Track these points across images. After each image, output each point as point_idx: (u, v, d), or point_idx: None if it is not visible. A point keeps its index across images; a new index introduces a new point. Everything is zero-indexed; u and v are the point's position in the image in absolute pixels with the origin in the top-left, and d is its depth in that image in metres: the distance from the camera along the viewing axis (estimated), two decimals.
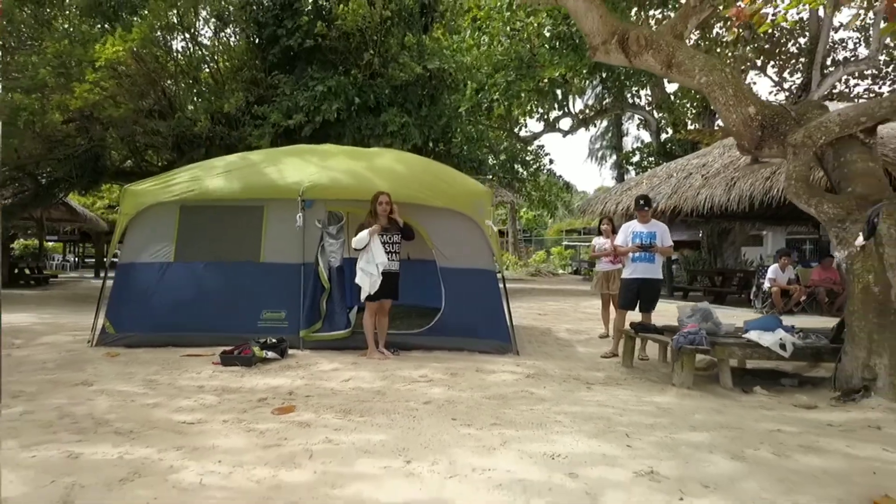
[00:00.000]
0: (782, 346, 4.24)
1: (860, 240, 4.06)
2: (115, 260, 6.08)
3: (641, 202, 5.77)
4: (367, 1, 11.68)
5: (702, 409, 3.67)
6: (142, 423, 3.08)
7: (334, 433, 2.93)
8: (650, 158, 26.26)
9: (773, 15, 10.07)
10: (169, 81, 12.37)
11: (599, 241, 6.96)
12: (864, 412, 3.63)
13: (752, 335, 4.36)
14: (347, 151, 6.57)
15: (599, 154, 42.24)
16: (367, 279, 5.07)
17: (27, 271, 18.11)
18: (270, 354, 4.92)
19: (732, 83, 5.09)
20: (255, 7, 12.90)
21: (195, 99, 12.64)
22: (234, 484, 2.29)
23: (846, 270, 4.30)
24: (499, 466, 2.50)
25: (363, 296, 5.15)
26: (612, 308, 6.59)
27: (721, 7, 8.45)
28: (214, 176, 5.80)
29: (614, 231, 6.69)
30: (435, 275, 5.66)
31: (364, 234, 5.06)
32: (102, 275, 6.10)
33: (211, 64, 13.54)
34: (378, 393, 3.86)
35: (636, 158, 28.80)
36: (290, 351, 5.21)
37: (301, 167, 5.81)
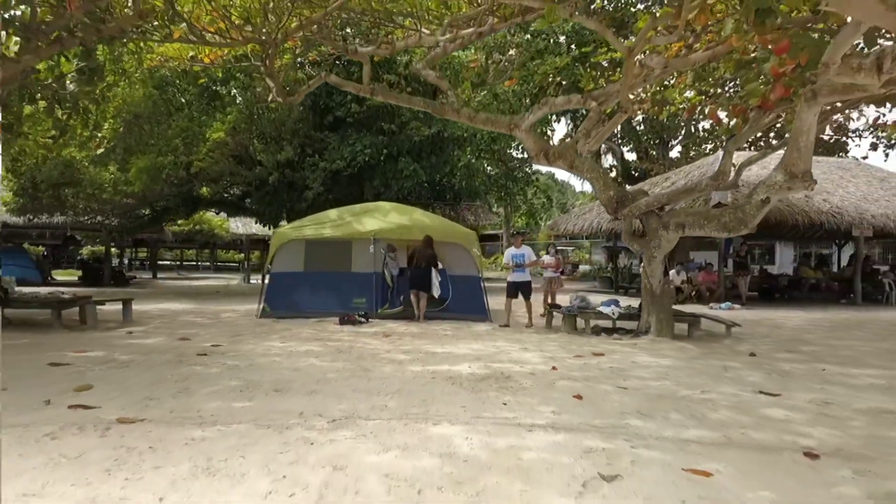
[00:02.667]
0: (613, 313, 8.61)
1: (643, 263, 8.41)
2: (269, 271, 10.43)
3: (514, 233, 10.29)
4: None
5: (565, 339, 8.04)
6: (334, 338, 7.45)
7: (412, 341, 7.32)
8: (619, 179, 30.81)
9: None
10: (249, 147, 16.69)
11: (546, 258, 11.35)
12: (638, 340, 7.95)
13: (600, 308, 8.73)
14: (397, 208, 10.96)
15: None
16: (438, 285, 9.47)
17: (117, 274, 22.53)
18: (363, 320, 9.29)
19: (603, 178, 9.48)
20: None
21: (264, 154, 16.80)
22: (384, 348, 6.65)
23: (643, 276, 8.63)
24: (473, 346, 6.89)
25: (435, 293, 9.49)
26: (547, 298, 10.93)
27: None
28: (325, 226, 10.20)
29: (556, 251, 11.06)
30: (446, 278, 10.03)
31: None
32: (261, 278, 10.43)
33: (274, 118, 17.82)
34: (423, 333, 8.23)
35: (613, 174, 33.34)
36: (371, 319, 9.58)
37: (371, 220, 10.21)
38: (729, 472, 3.11)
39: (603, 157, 37.69)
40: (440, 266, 9.61)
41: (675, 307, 10.61)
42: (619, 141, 28.99)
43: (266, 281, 10.26)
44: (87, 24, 5.14)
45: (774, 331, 9.53)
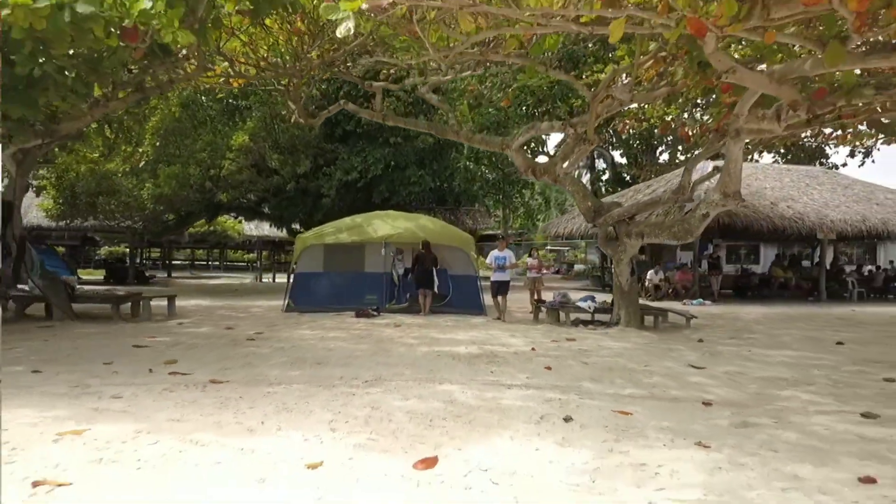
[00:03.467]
0: (589, 307, 9.99)
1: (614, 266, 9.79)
2: (293, 271, 11.79)
3: (501, 236, 11.65)
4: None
5: (548, 329, 9.41)
6: (354, 327, 8.83)
7: (419, 330, 8.70)
8: (612, 182, 32.33)
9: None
10: (266, 157, 18.04)
11: (529, 260, 12.73)
12: (609, 330, 9.32)
13: (579, 302, 10.11)
14: (404, 216, 12.35)
15: (577, 173, 48.35)
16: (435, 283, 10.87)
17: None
18: (375, 313, 10.67)
19: (582, 191, 10.85)
20: (321, 100, 18.56)
21: (280, 165, 18.04)
22: (397, 335, 8.03)
23: (615, 276, 9.99)
24: (470, 334, 8.28)
25: (436, 288, 10.88)
26: (533, 296, 12.30)
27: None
28: (342, 232, 11.57)
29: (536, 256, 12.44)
30: (446, 277, 11.42)
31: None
32: (287, 277, 11.79)
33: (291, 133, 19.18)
34: (428, 324, 9.61)
35: (606, 177, 34.82)
36: (381, 313, 10.95)
37: (382, 226, 11.58)
38: (643, 412, 4.49)
39: (596, 161, 39.15)
40: (439, 266, 10.96)
41: (649, 303, 12.04)
42: (611, 147, 30.37)
43: (291, 280, 11.65)
44: (165, 78, 6.51)
45: (731, 322, 10.92)
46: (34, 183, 14.83)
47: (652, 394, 5.13)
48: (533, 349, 7.12)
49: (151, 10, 4.59)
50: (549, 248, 47.84)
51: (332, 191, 17.28)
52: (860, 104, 5.76)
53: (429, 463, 3.33)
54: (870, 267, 22.00)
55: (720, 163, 16.54)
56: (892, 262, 22.39)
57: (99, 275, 26.59)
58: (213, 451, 3.45)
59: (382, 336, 8.03)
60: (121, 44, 5.24)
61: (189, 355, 6.50)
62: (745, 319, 11.60)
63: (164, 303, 10.81)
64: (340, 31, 3.81)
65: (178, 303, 13.13)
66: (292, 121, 11.74)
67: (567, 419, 4.25)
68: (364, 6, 3.49)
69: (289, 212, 18.16)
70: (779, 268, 18.99)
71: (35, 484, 2.92)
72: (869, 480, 3.19)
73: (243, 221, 26.57)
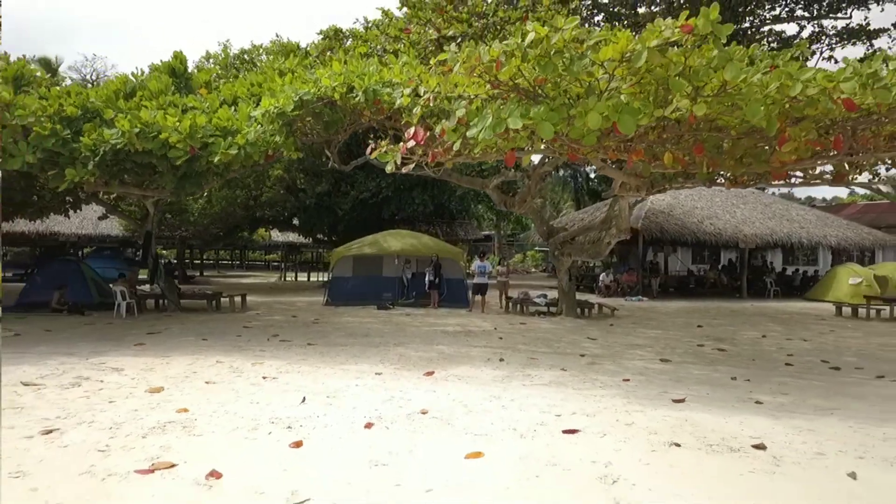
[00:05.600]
0: (543, 302, 13.79)
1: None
2: (330, 275, 15.56)
3: (482, 251, 15.42)
4: None
5: (510, 317, 13.21)
6: (379, 317, 12.62)
7: (423, 318, 12.50)
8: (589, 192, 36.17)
9: None
10: (297, 180, 21.78)
11: (500, 268, 16.55)
12: (553, 318, 13.12)
13: (535, 298, 13.92)
14: (411, 234, 16.12)
15: (562, 182, 52.21)
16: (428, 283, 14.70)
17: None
18: (391, 307, 14.46)
19: (540, 216, 14.65)
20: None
21: (308, 186, 21.85)
22: (409, 321, 11.82)
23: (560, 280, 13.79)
24: (456, 320, 12.08)
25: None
26: (502, 294, 16.10)
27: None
28: (365, 246, 15.37)
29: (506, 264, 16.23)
30: (443, 280, 15.22)
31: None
32: (325, 279, 15.55)
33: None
34: (428, 314, 13.39)
35: (585, 188, 38.65)
36: (395, 307, 14.74)
37: (395, 242, 15.37)
38: (544, 358, 8.28)
39: (578, 174, 42.82)
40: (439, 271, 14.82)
41: (590, 298, 15.81)
42: (587, 164, 34.15)
43: (329, 281, 15.46)
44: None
45: (646, 313, 14.72)
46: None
47: (555, 351, 8.94)
48: (495, 329, 10.93)
49: (280, 142, 8.38)
50: (537, 248, 51.57)
51: (348, 206, 21.01)
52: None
53: (430, 373, 7.14)
54: (794, 269, 25.76)
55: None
56: (817, 270, 26.07)
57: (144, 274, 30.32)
58: (329, 370, 7.25)
59: (399, 321, 11.84)
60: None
61: (283, 332, 10.29)
62: (659, 311, 15.40)
63: (239, 299, 14.58)
64: (388, 169, 7.57)
65: (236, 299, 16.91)
66: (329, 165, 15.46)
67: (501, 360, 8.07)
68: (403, 169, 7.27)
69: (315, 224, 21.94)
70: (711, 270, 22.77)
71: (264, 377, 6.73)
72: (626, 380, 7.00)
73: (273, 230, 30.34)
